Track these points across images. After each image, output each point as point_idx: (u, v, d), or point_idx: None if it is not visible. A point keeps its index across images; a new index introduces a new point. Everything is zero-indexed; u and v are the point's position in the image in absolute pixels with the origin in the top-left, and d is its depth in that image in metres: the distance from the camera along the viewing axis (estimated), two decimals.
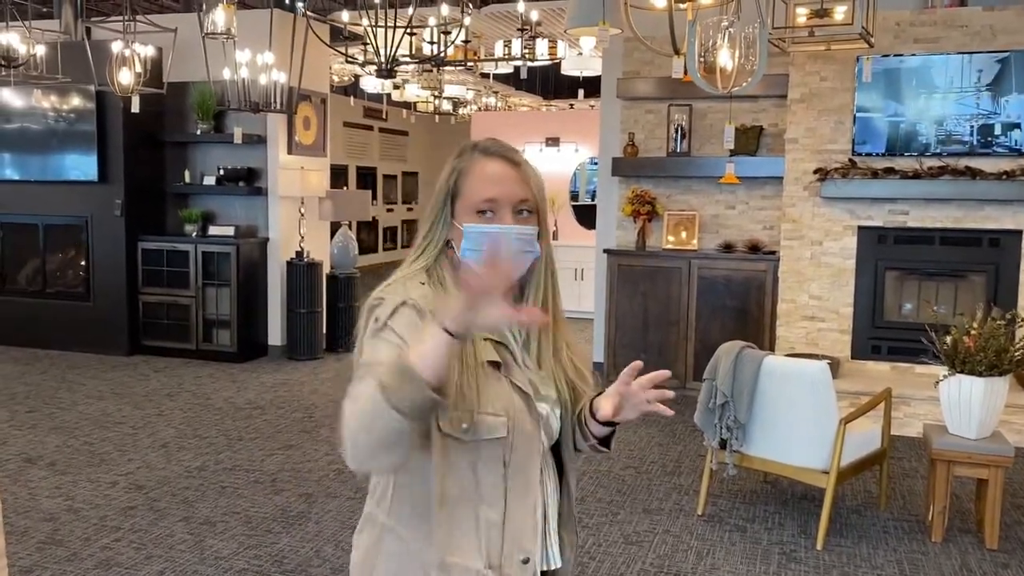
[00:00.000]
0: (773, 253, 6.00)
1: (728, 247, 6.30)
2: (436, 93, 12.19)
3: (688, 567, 3.43)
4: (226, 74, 6.02)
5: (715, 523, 3.90)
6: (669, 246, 6.40)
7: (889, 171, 5.44)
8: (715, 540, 3.71)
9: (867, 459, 3.90)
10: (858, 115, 5.49)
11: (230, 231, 7.12)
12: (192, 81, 6.93)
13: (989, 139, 5.24)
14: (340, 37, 8.22)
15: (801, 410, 3.69)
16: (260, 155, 7.17)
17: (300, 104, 7.13)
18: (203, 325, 7.14)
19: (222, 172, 7.18)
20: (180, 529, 3.71)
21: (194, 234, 7.18)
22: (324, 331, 7.47)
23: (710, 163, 6.22)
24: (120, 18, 5.12)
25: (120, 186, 7.09)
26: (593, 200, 10.48)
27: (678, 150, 6.42)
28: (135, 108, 5.73)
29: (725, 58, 3.64)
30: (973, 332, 3.57)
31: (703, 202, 6.45)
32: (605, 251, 6.50)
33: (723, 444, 3.86)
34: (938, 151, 5.34)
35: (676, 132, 6.42)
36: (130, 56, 5.08)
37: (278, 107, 6.19)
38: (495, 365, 1.29)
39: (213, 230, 7.22)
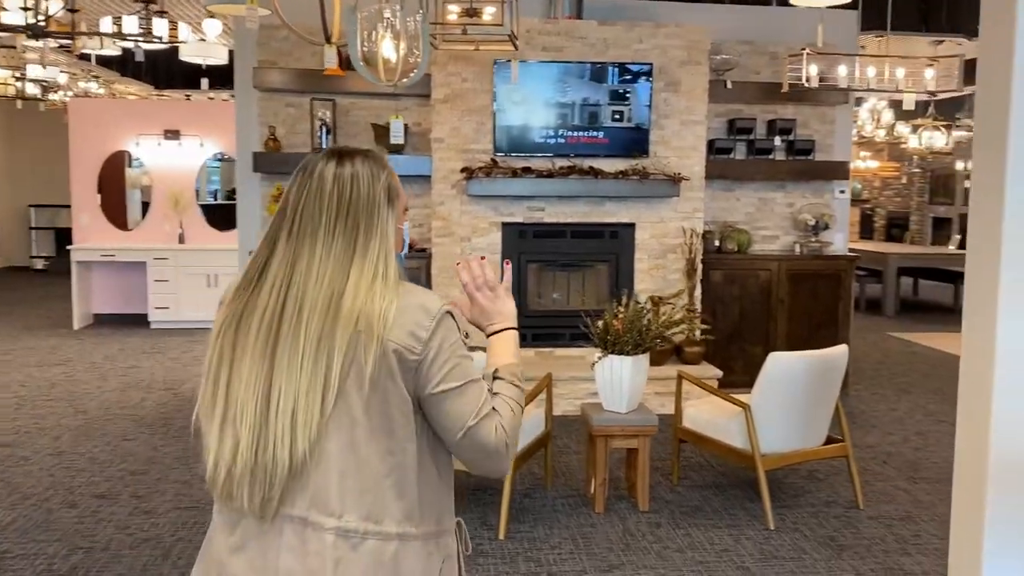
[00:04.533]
0: (424, 250, 6.06)
1: None
2: (18, 74, 10.36)
3: None
4: None
5: None
6: None
7: (527, 170, 5.79)
8: None
9: (535, 443, 4.07)
10: (498, 117, 5.75)
11: None
12: None
13: (608, 142, 5.84)
14: None
15: None
16: None
17: None
18: None
19: None
20: None
21: None
22: None
23: None
24: None
25: None
26: (216, 200, 9.76)
27: (323, 146, 6.17)
28: None
29: (389, 49, 3.51)
30: (621, 316, 3.90)
31: None
32: (251, 254, 6.00)
33: None
34: (567, 152, 5.82)
35: (320, 128, 6.17)
36: None
37: None
38: None
39: None
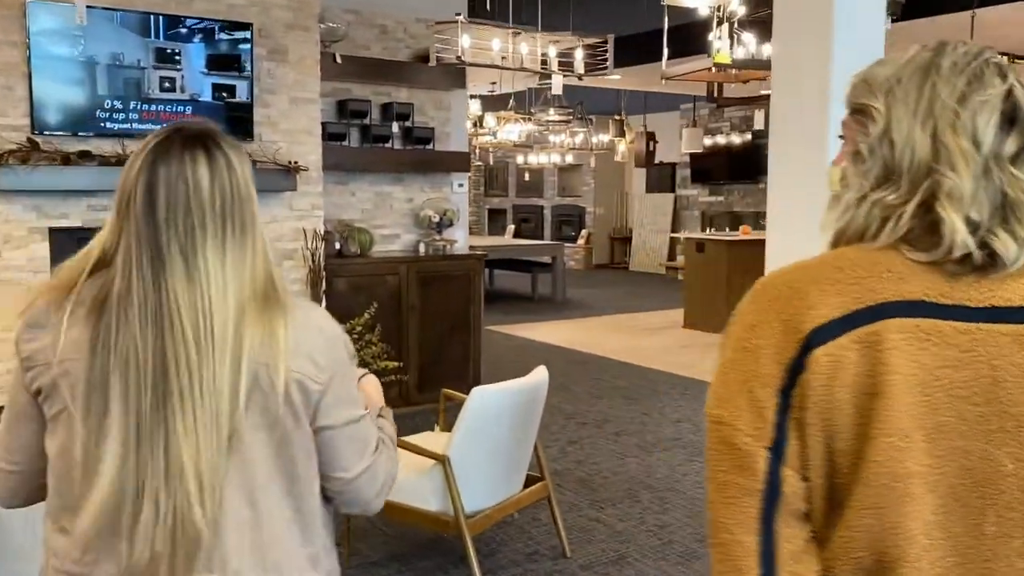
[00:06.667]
0: None
1: None
2: None
3: None
4: None
5: None
6: None
7: (86, 155, 4.20)
8: None
9: None
10: (36, 81, 4.07)
11: None
12: None
13: (191, 116, 4.51)
14: None
15: None
16: None
17: None
18: None
19: None
20: None
21: None
22: None
23: None
24: None
25: None
26: None
27: None
28: None
29: None
30: None
31: None
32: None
33: None
34: (143, 132, 4.35)
35: None
36: None
37: None
38: None
39: None
